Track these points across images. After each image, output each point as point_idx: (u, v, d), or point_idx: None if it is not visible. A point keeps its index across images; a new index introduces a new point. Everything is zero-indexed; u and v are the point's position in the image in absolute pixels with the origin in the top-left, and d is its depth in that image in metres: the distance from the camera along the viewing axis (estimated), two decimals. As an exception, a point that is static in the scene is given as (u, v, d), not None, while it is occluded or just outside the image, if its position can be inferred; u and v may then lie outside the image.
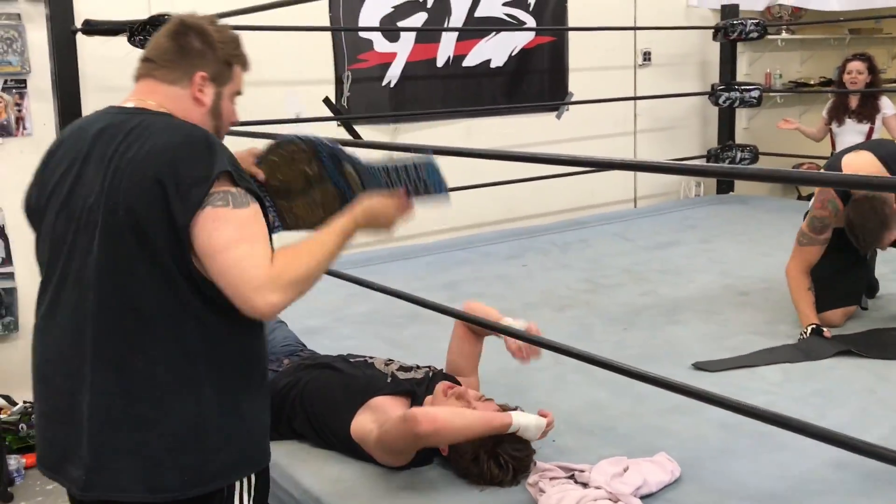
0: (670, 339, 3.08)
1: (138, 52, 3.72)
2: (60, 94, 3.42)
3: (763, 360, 2.83)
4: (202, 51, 1.61)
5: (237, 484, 1.54)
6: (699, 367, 2.76)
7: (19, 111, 3.60)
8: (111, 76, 3.73)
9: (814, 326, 3.00)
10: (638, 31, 5.62)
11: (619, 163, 2.54)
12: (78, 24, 3.44)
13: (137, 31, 3.40)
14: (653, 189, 5.88)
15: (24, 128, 3.61)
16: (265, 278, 1.41)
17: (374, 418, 2.08)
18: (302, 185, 1.92)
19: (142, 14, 3.48)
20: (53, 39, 3.42)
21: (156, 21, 3.39)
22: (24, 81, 3.61)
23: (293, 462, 2.13)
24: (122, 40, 3.50)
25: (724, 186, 5.99)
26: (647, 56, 5.72)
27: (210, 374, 1.47)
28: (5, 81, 3.57)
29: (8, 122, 3.58)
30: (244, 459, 1.53)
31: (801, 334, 3.00)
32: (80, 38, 3.47)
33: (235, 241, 1.42)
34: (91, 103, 3.50)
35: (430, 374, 2.31)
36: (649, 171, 2.35)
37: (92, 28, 3.44)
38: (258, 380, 1.57)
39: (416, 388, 2.20)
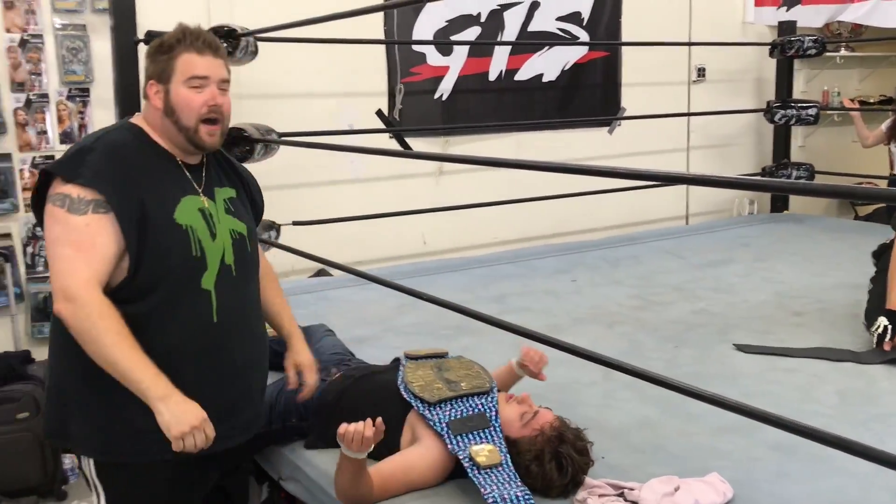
0: (722, 358, 3.02)
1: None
2: (121, 103, 3.50)
3: (809, 353, 2.79)
4: (146, 65, 1.87)
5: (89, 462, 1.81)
6: (740, 348, 2.80)
7: (82, 119, 3.70)
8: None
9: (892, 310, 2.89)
10: (693, 47, 5.56)
11: (672, 176, 2.50)
12: (140, 35, 3.52)
13: (197, 43, 3.47)
14: (705, 206, 5.80)
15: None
16: (65, 286, 1.65)
17: (411, 436, 2.09)
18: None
19: (202, 26, 3.55)
20: (116, 50, 3.51)
21: (215, 33, 3.45)
22: (88, 90, 3.71)
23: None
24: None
25: (779, 205, 5.88)
26: (701, 72, 5.66)
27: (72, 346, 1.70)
28: (70, 90, 3.67)
29: (71, 130, 3.68)
30: (99, 440, 1.76)
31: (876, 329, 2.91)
32: (142, 49, 3.54)
33: (60, 242, 1.68)
34: (151, 112, 3.58)
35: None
36: (705, 185, 2.31)
37: (153, 39, 3.52)
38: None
39: None
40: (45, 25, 3.59)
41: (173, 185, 1.82)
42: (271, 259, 4.08)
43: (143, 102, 1.88)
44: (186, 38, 1.83)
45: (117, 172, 1.72)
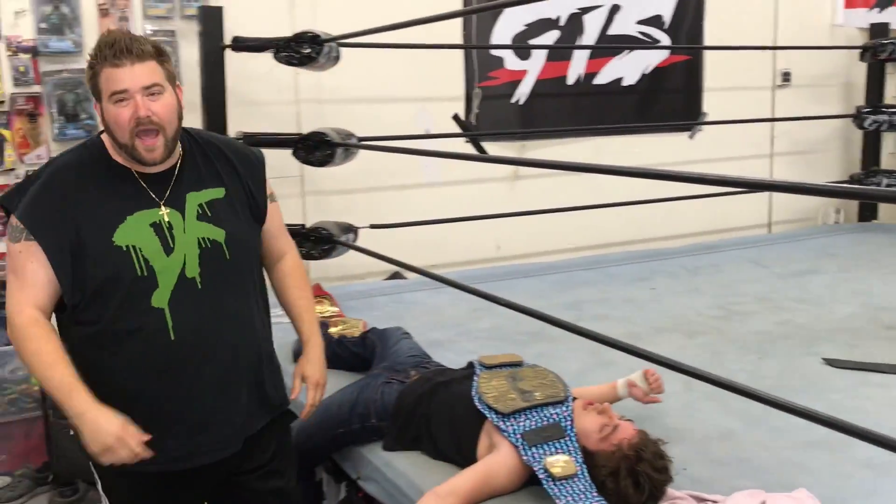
0: (808, 371, 2.92)
1: (284, 69, 3.89)
2: (208, 107, 3.60)
3: None
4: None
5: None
6: (830, 362, 2.72)
7: (170, 123, 3.81)
8: (254, 91, 3.91)
9: None
10: (777, 51, 5.41)
11: (755, 182, 2.44)
12: (227, 40, 3.61)
13: (282, 48, 3.55)
14: (789, 214, 5.63)
15: (174, 138, 3.82)
16: (7, 311, 1.74)
17: (489, 443, 2.08)
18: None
19: (286, 31, 3.63)
20: (204, 55, 3.60)
21: (299, 38, 3.52)
22: (176, 95, 3.81)
23: (420, 472, 2.14)
24: (265, 57, 3.66)
25: (867, 214, 5.67)
26: (786, 76, 5.50)
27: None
28: (158, 94, 3.78)
29: (159, 133, 3.80)
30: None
31: None
32: (228, 55, 3.64)
33: (7, 268, 1.77)
34: (234, 117, 3.67)
35: None
36: (788, 192, 2.24)
37: (240, 44, 3.61)
38: (107, 393, 1.70)
39: None
40: (137, 31, 3.71)
41: (122, 203, 1.77)
42: (348, 262, 4.17)
43: None
44: (102, 52, 1.71)
45: (52, 201, 1.73)
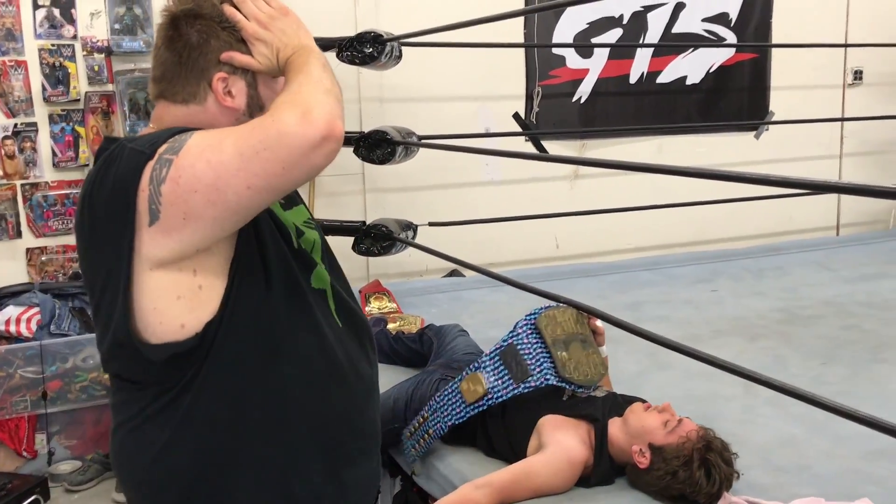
0: (875, 377, 2.85)
1: (346, 68, 3.90)
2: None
3: None
4: (204, 43, 1.30)
5: None
6: None
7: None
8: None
9: None
10: (849, 48, 5.26)
11: (822, 184, 2.38)
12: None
13: (345, 47, 3.59)
14: (858, 216, 5.47)
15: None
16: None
17: (538, 443, 2.09)
18: (578, 343, 2.24)
19: (349, 31, 3.68)
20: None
21: (362, 38, 3.56)
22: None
23: (474, 469, 2.16)
24: (328, 57, 3.71)
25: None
26: (858, 74, 5.34)
27: None
28: (225, 93, 3.88)
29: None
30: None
31: None
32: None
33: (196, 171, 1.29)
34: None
35: (613, 395, 2.27)
36: (857, 195, 2.18)
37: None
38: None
39: (594, 409, 2.17)
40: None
41: None
42: (407, 259, 4.20)
43: (168, 109, 1.39)
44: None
45: None
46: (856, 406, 1.81)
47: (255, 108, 1.32)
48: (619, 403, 2.20)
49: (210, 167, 1.15)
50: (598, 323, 2.31)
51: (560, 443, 2.04)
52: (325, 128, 1.15)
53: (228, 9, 1.32)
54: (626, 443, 2.05)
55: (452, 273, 4.37)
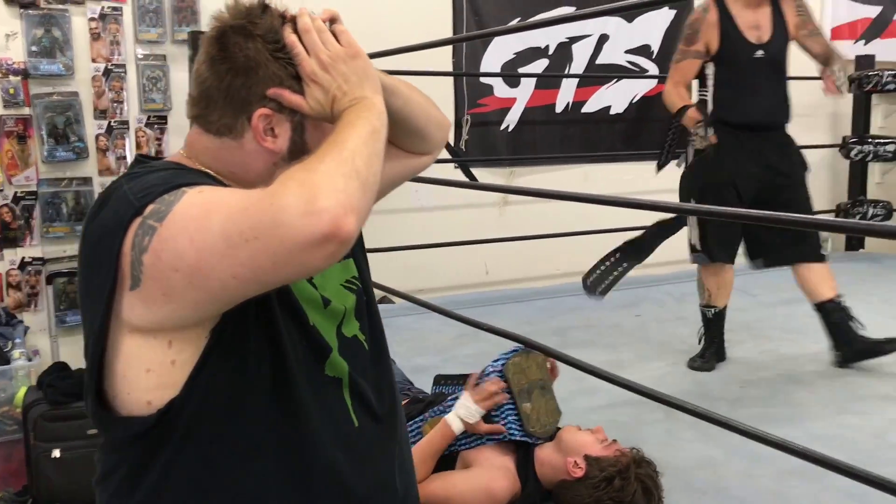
0: (790, 399, 2.94)
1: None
2: (197, 131, 3.61)
3: None
4: (251, 71, 1.10)
5: None
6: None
7: (159, 145, 3.84)
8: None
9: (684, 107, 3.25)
10: (765, 81, 5.46)
11: (739, 214, 2.46)
12: (217, 65, 3.63)
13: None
14: (776, 243, 5.65)
15: (163, 161, 3.84)
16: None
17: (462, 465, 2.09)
18: (538, 391, 2.21)
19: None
20: (194, 79, 3.62)
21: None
22: (166, 118, 3.84)
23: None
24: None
25: (854, 243, 5.70)
26: (773, 106, 5.55)
27: None
28: (149, 117, 3.81)
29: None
30: None
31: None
32: (218, 79, 3.66)
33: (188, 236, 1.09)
34: (224, 140, 3.69)
35: None
36: (772, 224, 2.27)
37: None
38: None
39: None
40: (129, 56, 3.74)
41: None
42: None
43: (201, 138, 1.18)
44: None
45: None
46: (772, 427, 1.87)
47: (298, 153, 1.12)
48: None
49: (192, 246, 0.97)
50: (558, 365, 2.31)
51: (486, 469, 2.04)
52: (328, 225, 0.92)
53: (289, 36, 1.11)
54: (558, 460, 2.05)
55: (382, 300, 4.35)
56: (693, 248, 3.33)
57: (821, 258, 3.23)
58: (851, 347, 3.17)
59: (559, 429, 2.20)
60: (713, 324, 3.33)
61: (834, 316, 3.19)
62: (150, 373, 1.05)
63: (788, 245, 3.23)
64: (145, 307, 1.02)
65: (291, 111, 1.11)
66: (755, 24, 3.18)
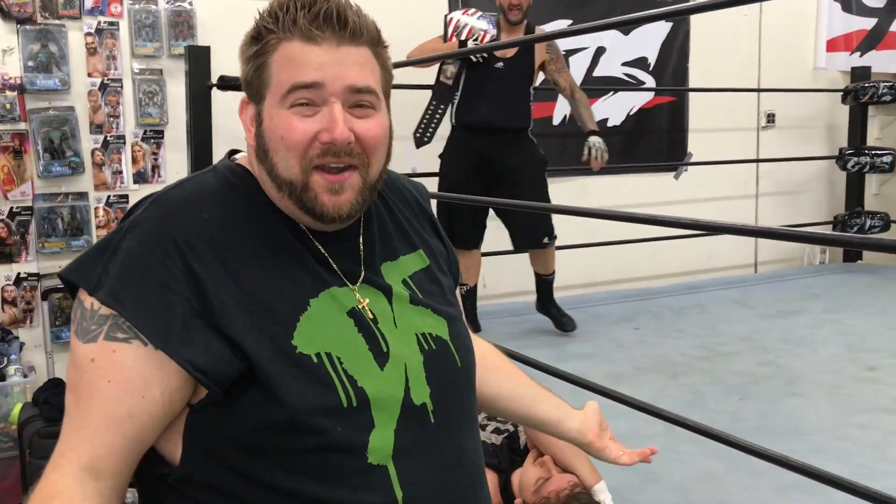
0: (789, 412, 2.92)
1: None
2: (194, 145, 3.61)
3: None
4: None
5: None
6: None
7: (155, 160, 3.83)
8: (240, 128, 3.93)
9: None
10: (762, 93, 5.48)
11: (739, 228, 2.46)
12: (214, 80, 3.63)
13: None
14: (774, 254, 5.66)
15: (159, 175, 3.83)
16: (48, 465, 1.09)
17: None
18: None
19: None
20: (190, 94, 3.62)
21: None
22: (162, 132, 3.84)
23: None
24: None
25: (852, 254, 5.71)
26: (770, 118, 5.57)
27: None
28: (145, 132, 3.81)
29: (145, 170, 3.81)
30: None
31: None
32: (215, 93, 3.66)
33: (68, 386, 1.12)
34: (220, 154, 3.68)
35: (514, 438, 2.25)
36: (771, 238, 2.26)
37: (226, 84, 3.63)
38: None
39: (498, 459, 2.16)
40: (125, 70, 3.74)
41: (297, 277, 1.03)
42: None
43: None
44: (288, 11, 1.00)
45: (160, 274, 0.99)
46: (772, 440, 1.86)
47: (259, 142, 1.07)
48: (519, 450, 2.20)
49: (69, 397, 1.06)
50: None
51: None
52: None
53: None
54: (518, 496, 2.10)
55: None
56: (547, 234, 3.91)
57: (544, 246, 3.91)
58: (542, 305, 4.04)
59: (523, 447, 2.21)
60: (465, 299, 3.72)
61: (542, 286, 4.02)
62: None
63: (519, 234, 3.97)
64: None
65: None
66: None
